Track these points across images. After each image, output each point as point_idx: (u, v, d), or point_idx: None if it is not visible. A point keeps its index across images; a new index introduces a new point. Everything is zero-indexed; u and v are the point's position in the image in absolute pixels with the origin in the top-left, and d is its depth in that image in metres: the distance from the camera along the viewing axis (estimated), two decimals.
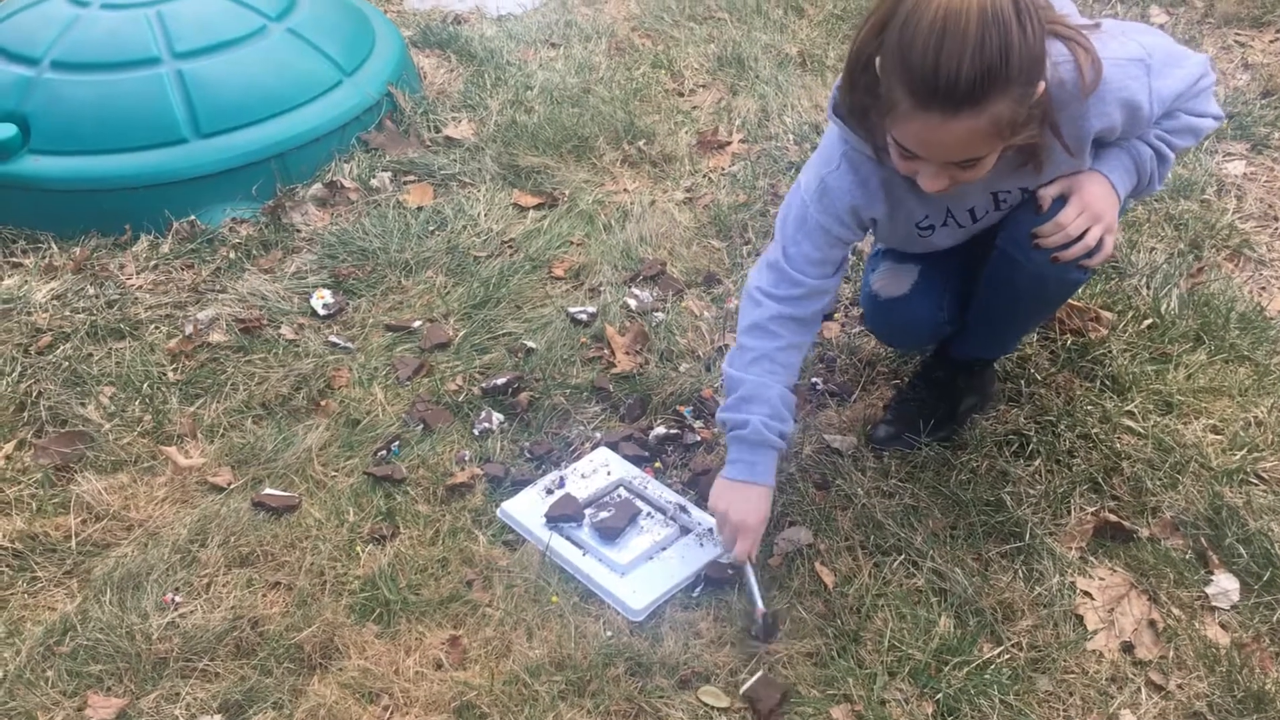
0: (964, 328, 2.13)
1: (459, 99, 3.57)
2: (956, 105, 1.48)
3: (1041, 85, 1.54)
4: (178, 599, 1.98)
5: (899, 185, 1.81)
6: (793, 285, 1.88)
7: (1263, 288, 2.60)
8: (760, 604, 1.87)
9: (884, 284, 2.09)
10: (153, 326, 2.64)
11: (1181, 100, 1.78)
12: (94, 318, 2.66)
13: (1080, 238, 1.77)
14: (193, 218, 2.97)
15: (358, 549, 2.07)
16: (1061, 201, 1.79)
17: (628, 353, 2.51)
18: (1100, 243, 1.77)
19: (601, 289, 2.72)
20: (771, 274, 1.91)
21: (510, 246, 2.90)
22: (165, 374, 2.50)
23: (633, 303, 2.66)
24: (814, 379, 2.40)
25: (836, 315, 2.59)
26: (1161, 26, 3.80)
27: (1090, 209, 1.77)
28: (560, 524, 2.07)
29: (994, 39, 1.43)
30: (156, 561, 2.04)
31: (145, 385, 2.45)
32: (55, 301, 2.72)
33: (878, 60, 1.55)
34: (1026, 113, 1.54)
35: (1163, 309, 2.47)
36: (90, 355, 2.55)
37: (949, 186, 1.64)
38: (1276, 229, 2.79)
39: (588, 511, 2.11)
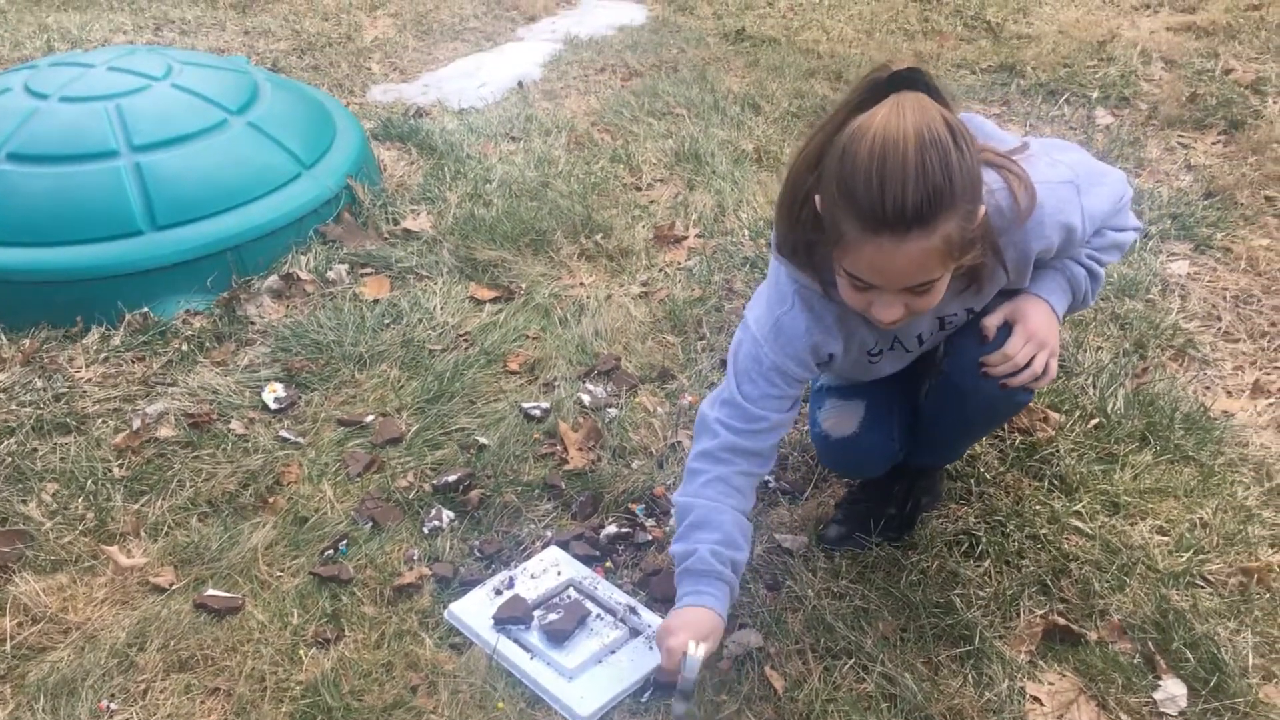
0: (914, 444, 2.15)
1: (418, 191, 3.59)
2: (907, 227, 1.49)
3: (982, 208, 1.57)
4: (113, 706, 1.93)
5: (852, 317, 1.82)
6: (751, 420, 1.85)
7: (1206, 388, 2.64)
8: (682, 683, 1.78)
9: (833, 423, 2.09)
10: (100, 420, 2.61)
11: (1108, 218, 1.83)
12: (40, 411, 2.62)
13: (1028, 365, 1.80)
14: (146, 309, 2.95)
15: (301, 653, 2.03)
16: (1007, 329, 1.82)
17: (580, 449, 2.50)
18: (1046, 367, 1.81)
19: (556, 384, 2.73)
20: (728, 409, 1.87)
21: (466, 340, 2.90)
22: (110, 470, 2.46)
23: (586, 398, 2.67)
24: (766, 477, 2.40)
25: None
26: (1107, 128, 3.91)
27: (1035, 336, 1.80)
28: (508, 626, 2.05)
29: (934, 161, 1.46)
30: (93, 666, 1.99)
31: (89, 482, 2.42)
32: (1, 394, 2.69)
33: (817, 196, 1.58)
34: (972, 233, 1.57)
35: (1109, 409, 2.51)
36: (35, 450, 2.51)
37: (904, 316, 1.64)
38: (1220, 329, 2.85)
39: (536, 613, 2.08)
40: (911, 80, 1.54)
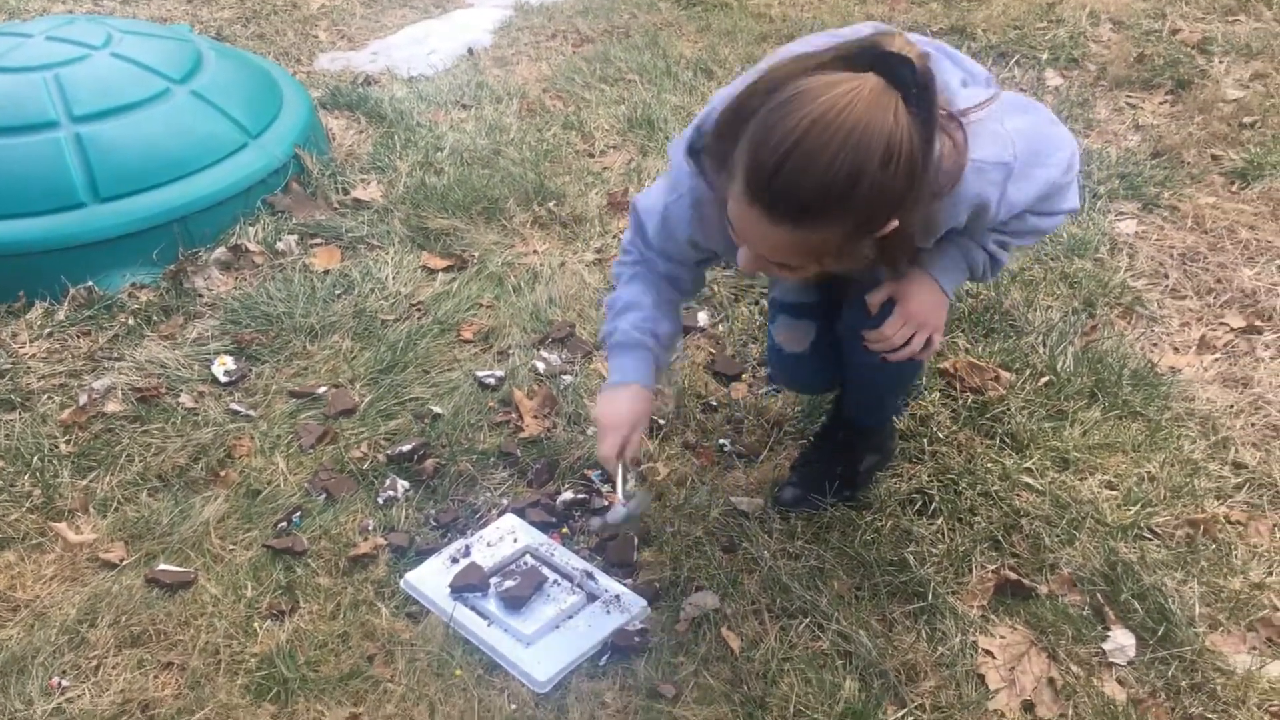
0: (844, 395, 2.18)
1: (368, 161, 3.55)
2: (780, 216, 1.44)
3: (892, 224, 1.47)
4: (65, 683, 1.91)
5: None
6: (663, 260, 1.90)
7: (1154, 344, 2.68)
8: (621, 496, 1.89)
9: (785, 338, 2.12)
10: (45, 397, 2.57)
11: (1033, 205, 1.72)
12: None
13: (907, 343, 1.82)
14: (91, 284, 2.90)
15: (255, 625, 2.01)
16: (891, 305, 1.82)
17: (535, 416, 2.50)
18: (929, 342, 1.82)
19: (510, 352, 2.71)
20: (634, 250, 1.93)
21: (418, 310, 2.88)
22: (57, 446, 2.42)
23: (541, 366, 2.66)
24: (721, 440, 2.41)
25: (744, 376, 2.61)
26: (1056, 89, 3.94)
27: (914, 318, 1.80)
28: (465, 594, 2.04)
29: (844, 170, 1.36)
30: (43, 644, 1.97)
31: (35, 458, 2.38)
32: None
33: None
34: (860, 246, 1.51)
35: (1058, 367, 2.53)
36: None
37: (759, 270, 1.62)
38: (1167, 286, 2.88)
39: (493, 580, 2.08)
40: (899, 73, 1.39)
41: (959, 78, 1.72)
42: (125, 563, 2.14)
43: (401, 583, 2.09)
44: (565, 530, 2.23)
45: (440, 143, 3.65)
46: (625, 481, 1.93)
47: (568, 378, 2.61)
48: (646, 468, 2.31)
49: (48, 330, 2.79)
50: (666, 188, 1.82)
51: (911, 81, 1.39)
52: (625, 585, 2.07)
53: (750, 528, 2.18)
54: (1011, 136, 1.62)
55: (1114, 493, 2.24)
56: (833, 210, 1.41)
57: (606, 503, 2.27)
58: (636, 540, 2.16)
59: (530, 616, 2.01)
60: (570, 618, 2.02)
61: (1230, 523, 2.16)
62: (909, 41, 1.43)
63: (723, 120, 1.51)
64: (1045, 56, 4.16)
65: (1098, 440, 2.35)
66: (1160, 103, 3.84)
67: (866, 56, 1.41)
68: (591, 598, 2.06)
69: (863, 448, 2.23)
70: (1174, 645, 1.91)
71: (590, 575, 2.09)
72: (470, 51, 4.50)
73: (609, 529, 1.96)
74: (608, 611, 2.02)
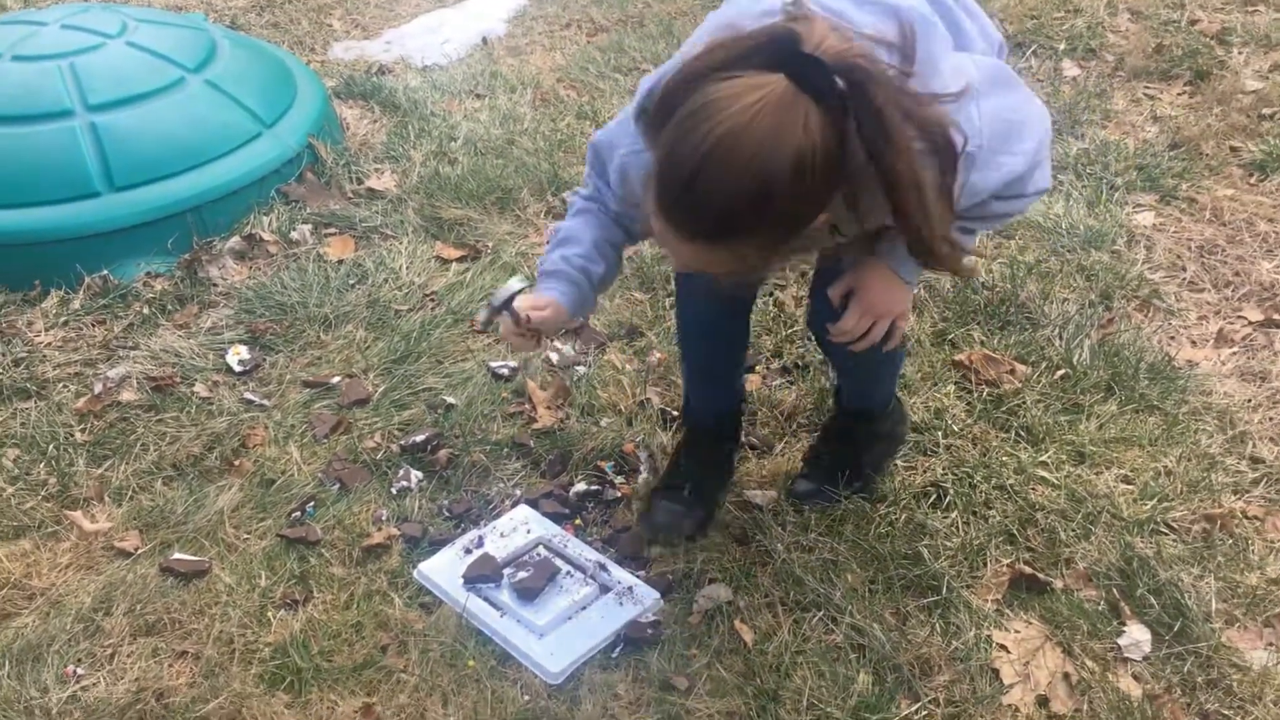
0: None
1: (382, 150, 3.55)
2: (689, 235, 1.41)
3: (821, 217, 1.43)
4: (80, 671, 1.92)
5: None
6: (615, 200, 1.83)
7: (1171, 337, 2.66)
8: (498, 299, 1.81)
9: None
10: (61, 385, 2.58)
11: (997, 191, 1.63)
12: None
13: (868, 332, 1.80)
14: (105, 272, 2.90)
15: (269, 614, 2.02)
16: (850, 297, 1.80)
17: (549, 408, 2.49)
18: (891, 330, 1.80)
19: None
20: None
21: (432, 300, 2.88)
22: (72, 434, 2.43)
23: (554, 356, 2.65)
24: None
25: (758, 368, 2.60)
26: (1074, 80, 3.91)
27: (872, 308, 1.77)
28: (478, 585, 2.05)
29: (750, 190, 1.33)
30: (58, 632, 1.98)
31: (51, 447, 2.39)
32: None
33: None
34: (786, 248, 1.47)
35: (1075, 360, 2.52)
36: None
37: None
38: (1184, 279, 2.86)
39: (506, 571, 2.08)
40: (809, 77, 1.32)
41: (949, 52, 1.58)
42: (140, 551, 2.15)
43: (415, 573, 2.09)
44: (578, 521, 2.23)
45: (454, 132, 3.65)
46: (499, 309, 1.82)
47: (581, 369, 2.61)
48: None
49: (63, 319, 2.79)
50: (624, 131, 1.70)
51: (824, 85, 1.32)
52: (638, 577, 2.07)
53: (764, 520, 2.17)
54: (980, 123, 1.54)
55: (1130, 487, 2.22)
56: (743, 228, 1.38)
57: (620, 494, 2.27)
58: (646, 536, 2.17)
59: (543, 608, 2.01)
60: (583, 609, 2.02)
61: (1247, 518, 2.15)
62: (831, 27, 1.37)
63: (654, 105, 1.43)
64: (1062, 47, 4.13)
65: (1114, 434, 2.34)
66: (1179, 94, 3.81)
67: (779, 54, 1.33)
68: (604, 589, 2.06)
69: (867, 434, 2.22)
70: (1190, 641, 1.90)
71: (603, 567, 2.09)
72: (484, 41, 4.49)
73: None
74: (620, 603, 2.02)
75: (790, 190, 1.33)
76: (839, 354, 1.98)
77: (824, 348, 2.05)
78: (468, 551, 2.13)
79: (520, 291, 1.79)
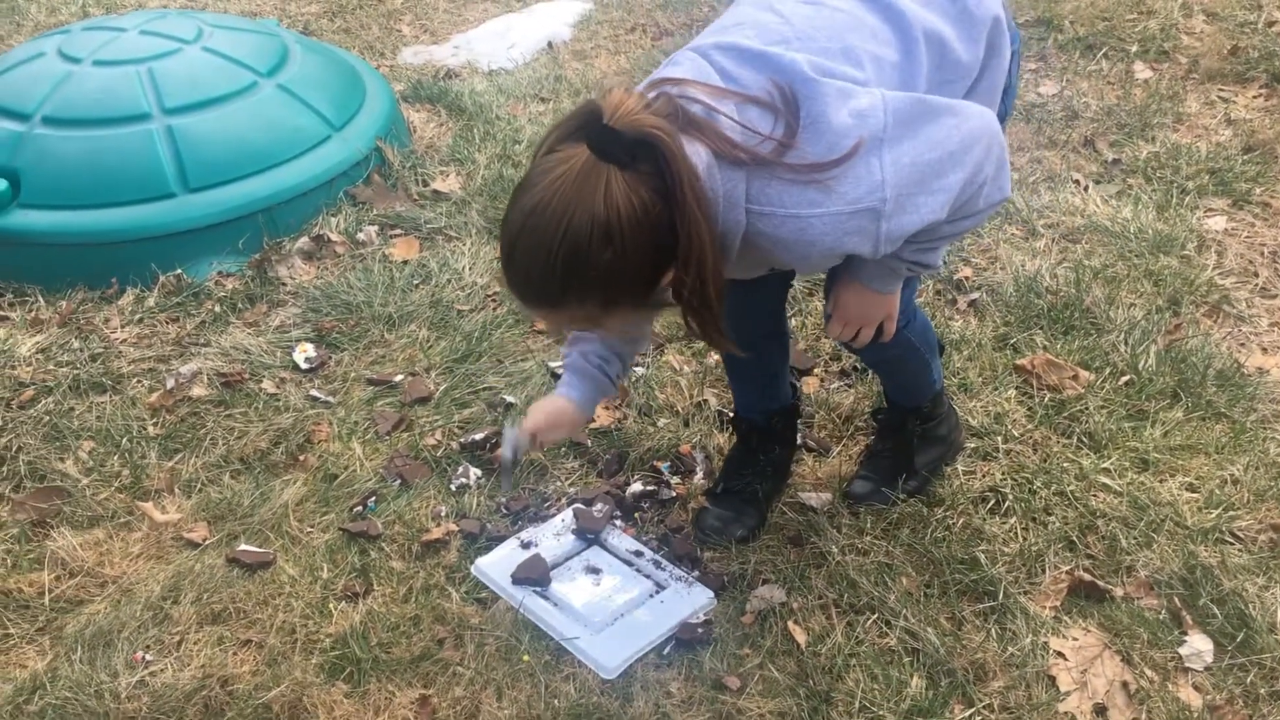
0: None
1: (447, 153, 3.60)
2: (526, 302, 1.50)
3: (667, 275, 1.48)
4: (148, 657, 1.98)
5: None
6: None
7: (1241, 344, 2.61)
8: (507, 454, 1.97)
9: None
10: (135, 380, 2.65)
11: (938, 219, 1.57)
12: (77, 371, 2.67)
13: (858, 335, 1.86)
14: (179, 271, 2.99)
15: (330, 606, 2.06)
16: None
17: (607, 408, 2.51)
18: (881, 332, 1.85)
19: None
20: None
21: (494, 300, 2.92)
22: (145, 428, 2.50)
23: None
24: None
25: (816, 371, 2.60)
26: (1146, 82, 3.84)
27: (851, 320, 1.83)
28: (526, 585, 2.07)
29: (559, 261, 1.40)
30: (128, 619, 2.04)
31: (125, 440, 2.46)
32: (40, 355, 2.73)
33: None
34: (638, 304, 1.51)
35: (1140, 366, 2.48)
36: (71, 409, 2.56)
37: None
38: (1256, 285, 2.81)
39: (560, 569, 2.11)
40: (604, 146, 1.39)
41: (846, 101, 1.50)
42: (208, 542, 2.21)
43: (472, 569, 2.12)
44: (634, 520, 2.24)
45: (518, 135, 3.69)
46: (514, 463, 1.99)
47: (640, 369, 2.63)
48: None
49: (138, 316, 2.88)
50: None
51: (620, 152, 1.38)
52: (692, 577, 2.08)
53: (818, 522, 2.17)
54: (884, 174, 1.48)
55: (1195, 495, 2.18)
56: (569, 292, 1.45)
57: (675, 494, 2.29)
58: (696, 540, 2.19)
59: (598, 605, 2.03)
60: (637, 607, 2.03)
61: None
62: (638, 94, 1.43)
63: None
64: (1135, 49, 4.06)
65: (1179, 441, 2.30)
66: (1254, 96, 3.73)
67: (581, 127, 1.41)
68: (659, 587, 2.07)
69: (922, 434, 2.21)
70: (1254, 652, 1.87)
71: (658, 565, 2.10)
72: (550, 45, 4.53)
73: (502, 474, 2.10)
74: (674, 601, 2.03)
75: (603, 257, 1.40)
76: (859, 354, 2.07)
77: (845, 347, 2.12)
78: (525, 547, 2.15)
79: (516, 435, 1.96)
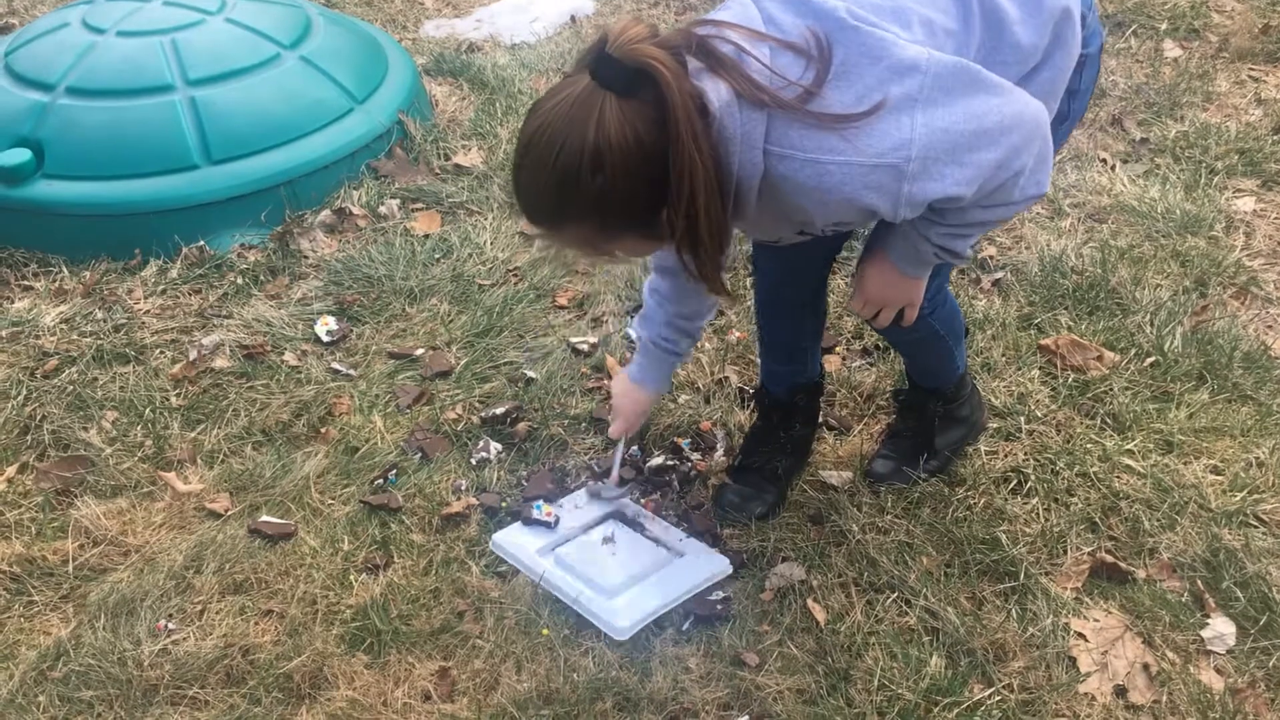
0: None
1: (469, 127, 3.59)
2: (528, 220, 1.55)
3: (662, 211, 1.48)
4: (170, 625, 1.99)
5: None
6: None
7: (1269, 326, 2.58)
8: (616, 474, 2.19)
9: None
10: (158, 351, 2.67)
11: (974, 196, 1.53)
12: (100, 342, 2.68)
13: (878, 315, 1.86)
14: (202, 243, 2.99)
15: (351, 578, 2.07)
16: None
17: None
18: (902, 315, 1.84)
19: (604, 319, 2.73)
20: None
21: (515, 275, 2.91)
22: (168, 399, 2.52)
23: (634, 333, 2.66)
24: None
25: (837, 349, 2.59)
26: (1175, 60, 3.79)
27: (871, 300, 1.83)
28: (538, 502, 2.17)
29: (553, 183, 1.44)
30: (151, 587, 2.05)
31: (147, 410, 2.47)
32: (63, 325, 2.75)
33: None
34: (636, 234, 1.53)
35: (1166, 347, 2.46)
36: (95, 379, 2.57)
37: None
38: None
39: (579, 540, 2.11)
40: (602, 74, 1.41)
41: (886, 52, 1.46)
42: (230, 513, 2.22)
43: (491, 543, 2.13)
44: (654, 496, 2.24)
45: None
46: (622, 463, 2.21)
47: None
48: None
49: (161, 287, 2.89)
50: None
51: (616, 79, 1.40)
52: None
53: (839, 500, 2.17)
54: (912, 134, 1.44)
55: (1219, 478, 2.17)
56: (564, 214, 1.48)
57: (695, 470, 2.28)
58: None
59: (613, 570, 2.03)
60: (653, 574, 2.03)
61: None
62: (646, 25, 1.44)
63: None
64: (1164, 27, 4.01)
65: (1204, 424, 2.28)
66: None
67: (588, 53, 1.44)
68: (677, 555, 2.07)
69: (944, 414, 2.20)
70: (1277, 635, 1.86)
71: (677, 536, 2.10)
72: (573, 19, 4.51)
73: (594, 495, 2.22)
74: (690, 567, 2.03)
75: (594, 182, 1.42)
76: (882, 332, 2.04)
77: (869, 324, 2.06)
78: (543, 523, 2.16)
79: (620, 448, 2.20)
